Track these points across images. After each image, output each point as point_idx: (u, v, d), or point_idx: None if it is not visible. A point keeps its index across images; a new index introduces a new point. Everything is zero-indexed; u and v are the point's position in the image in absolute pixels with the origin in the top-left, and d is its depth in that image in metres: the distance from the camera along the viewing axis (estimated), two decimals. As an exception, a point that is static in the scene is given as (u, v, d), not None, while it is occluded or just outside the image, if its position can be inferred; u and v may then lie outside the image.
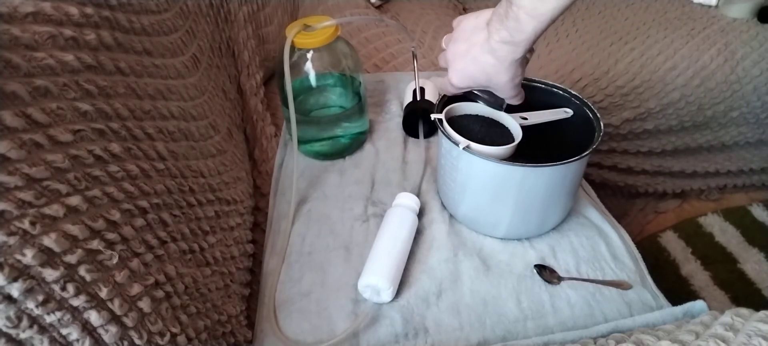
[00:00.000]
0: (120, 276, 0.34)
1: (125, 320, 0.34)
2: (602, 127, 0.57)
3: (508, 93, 0.53)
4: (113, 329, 0.33)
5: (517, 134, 0.57)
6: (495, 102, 0.58)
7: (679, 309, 0.53)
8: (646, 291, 0.57)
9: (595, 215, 0.67)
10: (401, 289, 0.56)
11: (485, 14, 0.50)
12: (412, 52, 0.75)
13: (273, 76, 0.93)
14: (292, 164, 0.69)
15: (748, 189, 1.12)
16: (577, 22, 1.13)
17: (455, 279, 0.57)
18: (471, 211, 0.62)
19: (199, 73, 0.59)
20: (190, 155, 0.50)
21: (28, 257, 0.29)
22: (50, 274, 0.30)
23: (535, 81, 0.65)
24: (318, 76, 0.72)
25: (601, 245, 0.62)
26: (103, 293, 0.32)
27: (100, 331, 0.32)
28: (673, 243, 1.04)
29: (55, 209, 0.31)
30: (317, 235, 0.64)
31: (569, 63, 1.02)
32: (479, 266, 0.59)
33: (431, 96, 0.80)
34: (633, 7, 1.13)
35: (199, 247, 0.46)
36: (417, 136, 0.80)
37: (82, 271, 0.31)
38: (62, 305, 0.30)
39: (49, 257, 0.30)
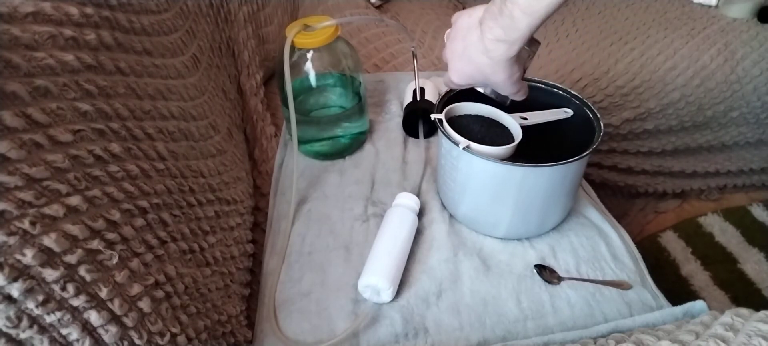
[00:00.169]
0: (120, 276, 0.34)
1: (125, 320, 0.34)
2: (602, 127, 0.57)
3: (509, 90, 0.52)
4: (113, 329, 0.33)
5: (517, 134, 0.57)
6: (499, 97, 0.58)
7: (679, 309, 0.53)
8: (646, 291, 0.57)
9: (595, 215, 0.67)
10: (401, 289, 0.56)
11: (478, 12, 0.48)
12: (412, 52, 0.75)
13: (273, 76, 0.93)
14: (292, 164, 0.70)
15: (748, 189, 1.12)
16: (577, 22, 1.13)
17: (455, 279, 0.57)
18: (471, 211, 0.62)
19: (199, 73, 0.59)
20: (190, 155, 0.50)
21: (28, 257, 0.29)
22: (50, 274, 0.30)
23: (535, 81, 0.65)
24: (318, 76, 0.72)
25: (601, 245, 0.62)
26: (103, 293, 0.32)
27: (100, 331, 0.32)
28: (673, 243, 1.04)
29: (55, 209, 0.31)
30: (317, 235, 0.64)
31: (569, 63, 1.02)
32: (479, 266, 0.59)
33: (431, 96, 0.80)
34: (633, 7, 1.13)
35: (199, 247, 0.46)
36: (417, 136, 0.80)
37: (82, 271, 0.31)
38: (62, 305, 0.30)
39: (49, 257, 0.30)
